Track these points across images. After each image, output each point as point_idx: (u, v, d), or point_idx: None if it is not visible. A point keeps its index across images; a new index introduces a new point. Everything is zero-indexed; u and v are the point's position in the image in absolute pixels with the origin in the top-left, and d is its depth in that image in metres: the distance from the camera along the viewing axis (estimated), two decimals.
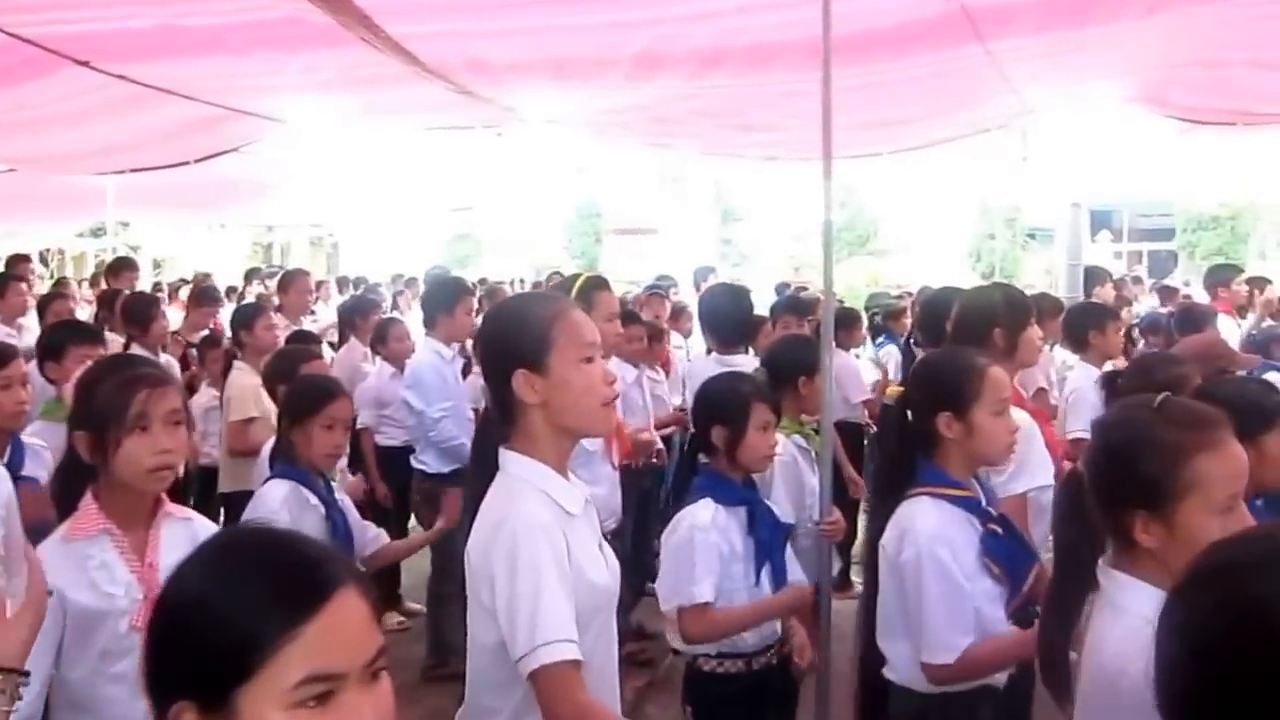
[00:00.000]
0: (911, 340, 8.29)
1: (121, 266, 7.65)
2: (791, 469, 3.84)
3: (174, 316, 8.61)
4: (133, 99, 6.29)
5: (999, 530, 2.72)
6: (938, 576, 2.60)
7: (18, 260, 8.00)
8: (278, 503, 3.35)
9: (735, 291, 5.40)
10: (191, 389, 5.88)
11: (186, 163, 7.72)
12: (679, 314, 8.40)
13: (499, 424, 2.17)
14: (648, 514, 5.75)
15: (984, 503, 2.77)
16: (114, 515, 2.32)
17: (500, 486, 2.11)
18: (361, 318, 6.77)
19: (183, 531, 2.38)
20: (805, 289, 10.79)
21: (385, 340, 6.16)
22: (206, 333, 6.74)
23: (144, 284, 12.71)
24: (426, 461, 5.19)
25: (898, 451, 2.87)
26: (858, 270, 25.05)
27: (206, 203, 11.19)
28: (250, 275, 11.93)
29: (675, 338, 7.86)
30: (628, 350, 5.88)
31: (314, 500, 3.43)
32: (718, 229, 28.61)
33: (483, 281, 13.99)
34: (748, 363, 4.89)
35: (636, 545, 5.48)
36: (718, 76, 5.87)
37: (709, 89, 6.16)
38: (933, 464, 2.74)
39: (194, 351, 6.42)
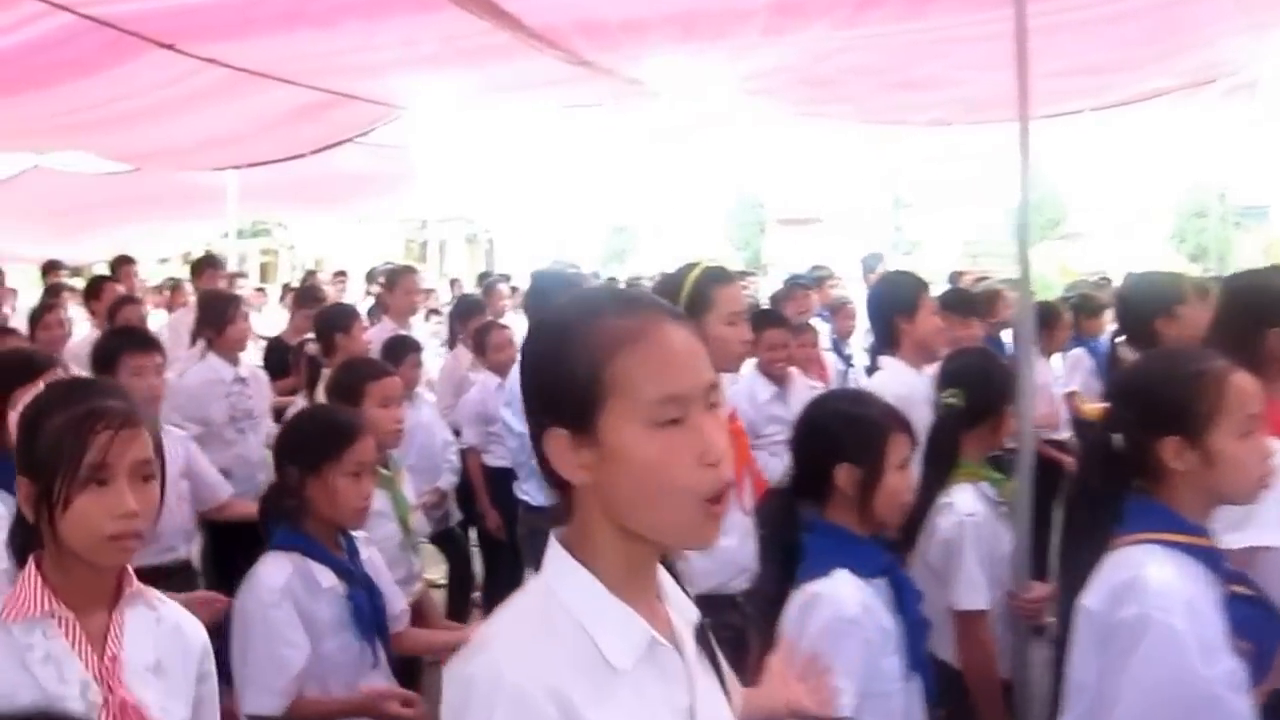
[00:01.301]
0: (1115, 340, 7.10)
1: (204, 265, 7.21)
2: (985, 530, 2.90)
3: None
4: (229, 85, 5.81)
5: (1246, 592, 2.10)
6: (1164, 650, 1.90)
7: (121, 263, 7.66)
8: (276, 592, 2.56)
9: (892, 282, 4.24)
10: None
11: (303, 155, 7.27)
12: (838, 309, 7.39)
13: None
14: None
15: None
16: (63, 593, 1.78)
17: (524, 601, 1.31)
18: (463, 322, 6.07)
19: (150, 620, 1.86)
20: (986, 278, 9.58)
21: (485, 347, 5.39)
22: (310, 337, 6.17)
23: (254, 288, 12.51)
24: (529, 492, 4.38)
25: (1102, 489, 2.17)
26: (1046, 257, 23.21)
27: (338, 198, 10.83)
28: (370, 275, 11.40)
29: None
30: (765, 360, 4.98)
31: (327, 580, 2.63)
32: (888, 215, 27.15)
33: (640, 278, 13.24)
34: (908, 375, 3.90)
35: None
36: (874, 22, 4.91)
37: (864, 39, 5.19)
38: (1155, 502, 2.07)
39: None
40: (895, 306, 3.94)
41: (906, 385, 3.67)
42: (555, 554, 1.30)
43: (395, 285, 6.16)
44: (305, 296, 6.86)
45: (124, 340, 3.85)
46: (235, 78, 5.71)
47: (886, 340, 4.01)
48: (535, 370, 1.28)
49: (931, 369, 4.23)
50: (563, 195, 15.25)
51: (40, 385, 2.45)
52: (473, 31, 5.10)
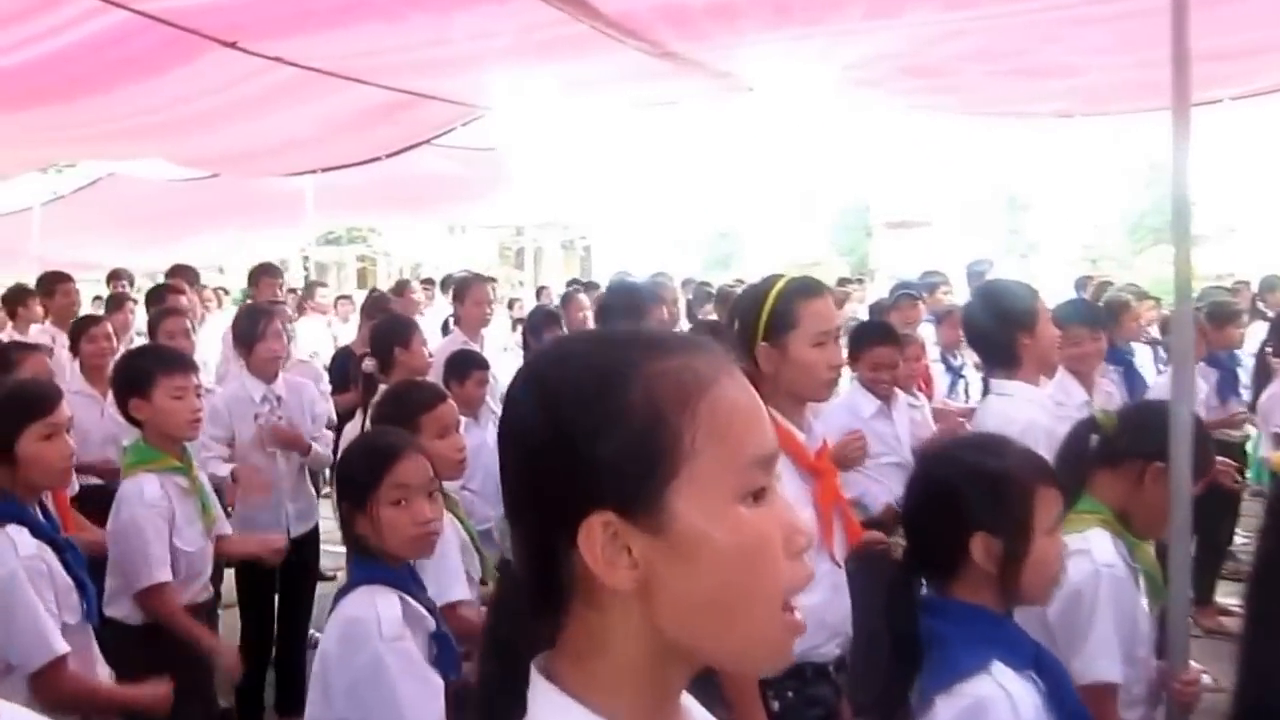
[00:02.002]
0: (1266, 350, 6.40)
1: (260, 274, 6.96)
2: (1122, 593, 2.37)
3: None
4: (297, 85, 5.54)
5: None
6: None
7: (175, 273, 7.46)
8: (398, 624, 2.25)
9: (1004, 292, 3.60)
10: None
11: (378, 159, 6.99)
12: (946, 316, 6.81)
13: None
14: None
15: None
16: None
17: None
18: (536, 334, 5.69)
19: None
20: (1109, 284, 8.85)
21: None
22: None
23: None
24: None
25: None
26: (1167, 259, 21.97)
27: (426, 203, 10.59)
28: (444, 285, 10.94)
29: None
30: (869, 377, 4.49)
31: (423, 608, 2.34)
32: (1001, 218, 26.13)
33: (740, 282, 12.72)
34: (1034, 394, 3.37)
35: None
36: (989, 2, 4.37)
37: (978, 21, 4.65)
38: None
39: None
40: (1014, 320, 3.43)
41: (1033, 409, 3.21)
42: (546, 699, 0.92)
43: (465, 295, 5.79)
44: (373, 306, 6.54)
45: (158, 361, 3.51)
46: (304, 78, 5.43)
47: (1003, 358, 3.49)
48: (556, 435, 0.90)
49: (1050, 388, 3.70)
50: (663, 199, 14.90)
51: None
52: (548, 21, 4.74)
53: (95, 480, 4.50)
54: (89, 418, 4.71)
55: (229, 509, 4.14)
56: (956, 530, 1.89)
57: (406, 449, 2.42)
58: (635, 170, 11.79)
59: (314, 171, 7.41)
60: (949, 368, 6.61)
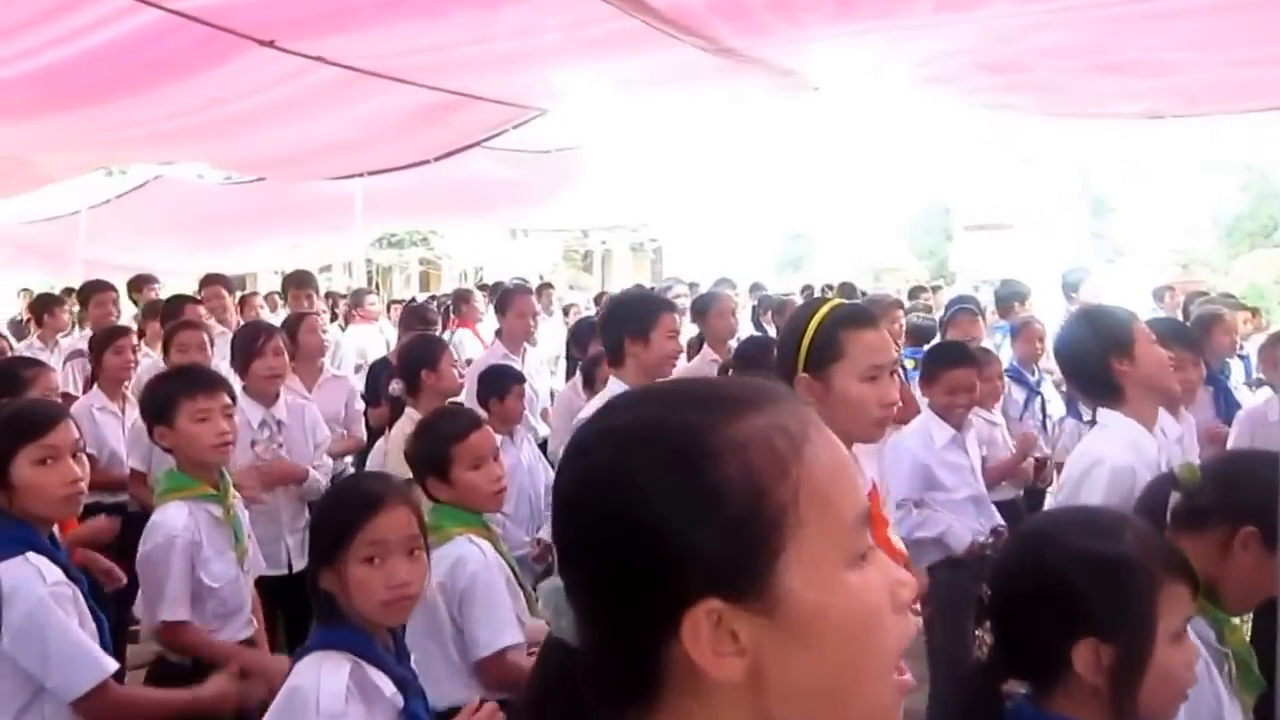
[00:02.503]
0: None
1: (289, 284, 6.69)
2: (1201, 687, 2.00)
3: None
4: (340, 86, 5.36)
5: None
6: None
7: (207, 282, 7.02)
8: (338, 699, 2.00)
9: (1109, 319, 3.07)
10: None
11: (426, 161, 6.78)
12: (1021, 330, 6.36)
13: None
14: None
15: None
16: None
17: None
18: (580, 346, 5.39)
19: None
20: (1203, 293, 8.27)
21: (594, 380, 4.66)
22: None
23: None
24: None
25: None
26: (1264, 264, 21.05)
27: (485, 206, 10.37)
28: (490, 288, 10.05)
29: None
30: (944, 402, 4.15)
31: (387, 688, 2.07)
32: (1086, 222, 25.24)
33: (808, 289, 12.28)
34: (1132, 431, 2.91)
35: None
36: None
37: (1060, 14, 4.27)
38: None
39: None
40: (1107, 344, 3.00)
41: (1126, 450, 2.78)
42: None
43: (507, 307, 5.41)
44: (413, 316, 6.25)
45: (177, 384, 3.25)
46: (345, 78, 5.25)
47: (1100, 389, 3.05)
48: (645, 526, 0.82)
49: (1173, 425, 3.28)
50: (735, 200, 14.60)
51: None
52: (598, 17, 4.49)
53: (113, 498, 4.33)
54: (112, 436, 4.53)
55: None
56: (1058, 632, 1.54)
57: (387, 500, 2.15)
58: (707, 170, 11.53)
59: (360, 175, 7.22)
60: (1023, 383, 6.17)
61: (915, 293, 11.64)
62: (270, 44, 4.81)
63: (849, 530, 0.84)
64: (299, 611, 3.26)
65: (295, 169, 7.15)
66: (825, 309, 2.45)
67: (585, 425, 0.91)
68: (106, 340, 4.84)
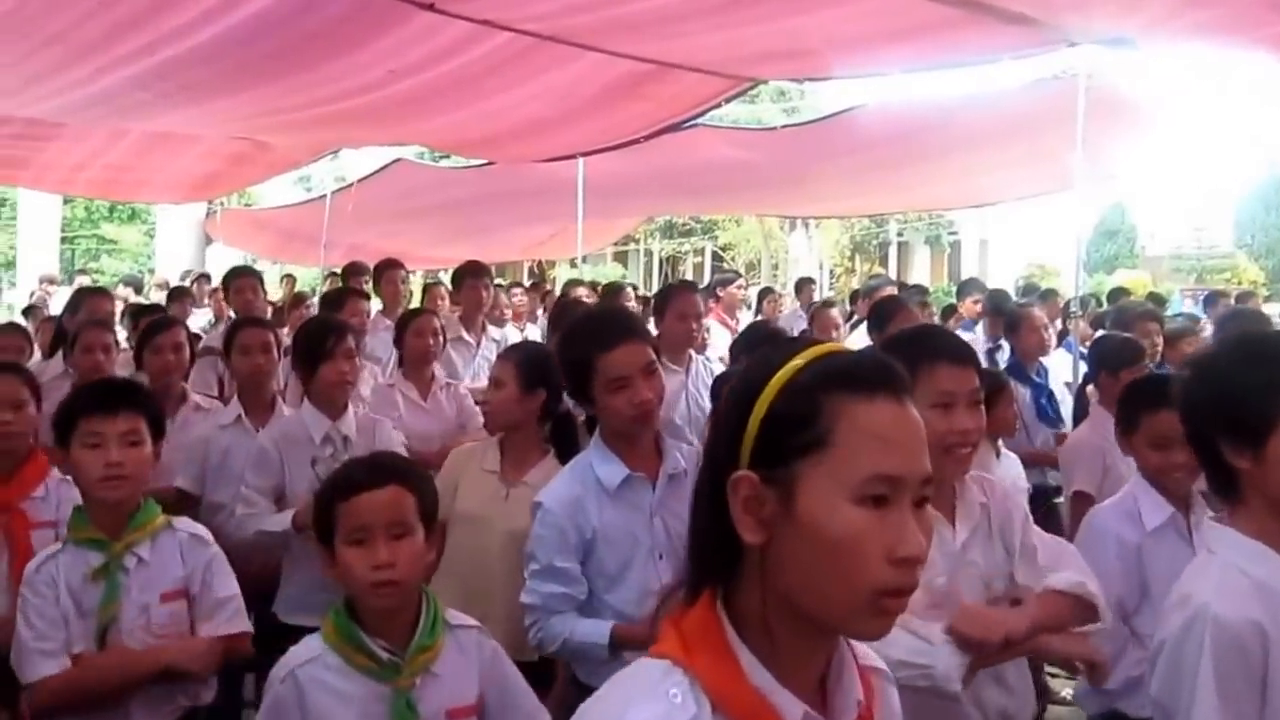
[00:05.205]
0: None
1: (429, 287, 6.07)
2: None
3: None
4: (520, 53, 4.93)
5: None
6: None
7: (350, 273, 6.72)
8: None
9: None
10: None
11: (637, 140, 6.23)
12: None
13: None
14: None
15: None
16: None
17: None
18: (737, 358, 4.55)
19: None
20: None
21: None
22: None
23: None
24: None
25: None
26: None
27: (738, 191, 9.60)
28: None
29: None
30: (1157, 464, 2.98)
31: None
32: None
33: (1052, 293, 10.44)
34: None
35: None
36: None
37: None
38: None
39: None
40: None
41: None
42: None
43: (665, 308, 4.53)
44: (561, 315, 5.34)
45: (80, 398, 2.63)
46: (522, 45, 4.81)
47: None
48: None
49: None
50: (1040, 190, 13.21)
51: None
52: None
53: None
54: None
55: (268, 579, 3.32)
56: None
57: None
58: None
59: (572, 157, 6.75)
60: None
61: (1243, 297, 9.93)
62: (430, 6, 4.45)
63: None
64: None
65: (500, 150, 6.78)
66: None
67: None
68: (146, 337, 4.12)
